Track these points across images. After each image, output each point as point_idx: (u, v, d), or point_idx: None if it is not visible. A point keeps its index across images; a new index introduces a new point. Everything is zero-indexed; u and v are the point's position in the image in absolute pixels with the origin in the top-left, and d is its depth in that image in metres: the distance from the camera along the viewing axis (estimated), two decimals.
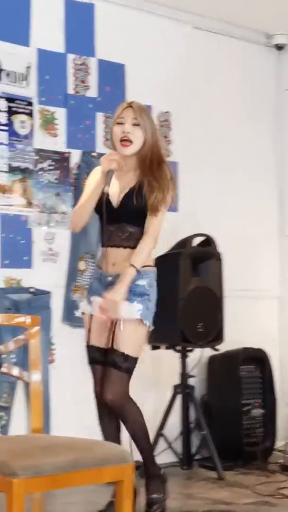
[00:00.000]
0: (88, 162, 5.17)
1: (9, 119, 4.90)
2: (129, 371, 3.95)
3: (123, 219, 3.96)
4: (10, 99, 4.91)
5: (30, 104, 5.00)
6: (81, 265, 5.13)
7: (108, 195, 3.92)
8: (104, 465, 2.82)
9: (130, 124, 3.95)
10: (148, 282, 3.96)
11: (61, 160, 5.09)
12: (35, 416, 3.16)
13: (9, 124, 4.90)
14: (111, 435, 4.02)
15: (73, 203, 5.11)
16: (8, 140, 4.88)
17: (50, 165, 5.05)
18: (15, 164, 4.90)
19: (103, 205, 3.91)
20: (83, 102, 5.27)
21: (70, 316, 5.09)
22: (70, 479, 2.79)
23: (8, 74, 4.94)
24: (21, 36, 5.02)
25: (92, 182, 3.99)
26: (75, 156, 5.18)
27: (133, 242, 3.97)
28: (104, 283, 3.97)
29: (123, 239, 3.98)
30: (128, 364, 3.93)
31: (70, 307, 5.09)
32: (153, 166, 3.97)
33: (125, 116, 3.97)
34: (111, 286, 3.90)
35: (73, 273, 5.11)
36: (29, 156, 4.96)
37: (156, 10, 5.58)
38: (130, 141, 3.94)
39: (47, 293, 4.95)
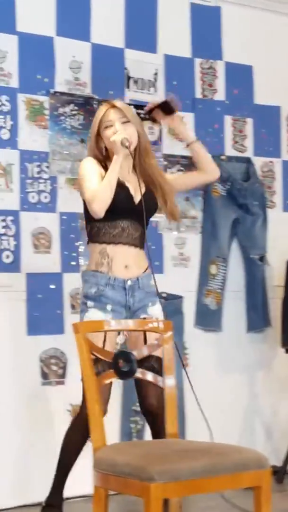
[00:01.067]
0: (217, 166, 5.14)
1: None
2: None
3: (139, 217, 3.72)
4: (138, 106, 4.95)
5: None
6: (213, 269, 5.13)
7: (128, 188, 3.76)
8: (241, 471, 2.79)
9: (120, 123, 3.78)
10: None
11: (190, 165, 5.09)
12: (170, 421, 3.17)
13: None
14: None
15: (202, 207, 5.12)
16: None
17: (179, 170, 5.07)
18: None
19: (119, 197, 3.69)
20: (211, 105, 5.27)
21: (203, 320, 5.09)
22: (207, 484, 2.78)
23: (136, 82, 4.99)
24: (148, 44, 5.06)
25: (96, 169, 3.73)
26: None
27: (141, 243, 3.80)
28: (120, 288, 3.72)
29: (135, 238, 3.77)
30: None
31: (202, 311, 5.09)
32: (147, 160, 3.84)
33: (112, 118, 3.78)
34: (135, 290, 3.73)
35: (204, 277, 5.11)
36: (158, 162, 4.99)
37: (282, 9, 5.52)
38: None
39: (179, 298, 4.97)
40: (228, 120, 5.33)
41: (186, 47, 5.21)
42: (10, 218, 4.53)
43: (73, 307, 4.67)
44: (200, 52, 5.25)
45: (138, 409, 4.74)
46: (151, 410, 3.76)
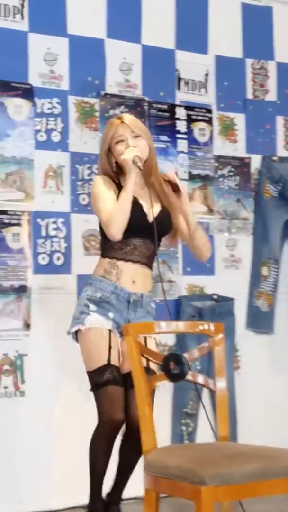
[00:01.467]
0: (269, 166, 5.12)
1: (188, 127, 4.94)
2: None
3: (151, 235, 3.67)
4: (189, 107, 4.95)
5: (209, 111, 5.02)
6: (264, 270, 5.09)
7: (142, 205, 3.71)
8: None
9: (131, 138, 3.72)
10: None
11: (241, 165, 5.08)
12: (222, 424, 3.14)
13: (189, 132, 4.93)
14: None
15: (253, 209, 5.08)
16: (188, 148, 4.92)
17: (230, 171, 5.04)
18: (195, 171, 4.93)
19: (133, 215, 3.64)
20: (262, 106, 5.24)
21: (254, 322, 5.05)
22: (259, 488, 2.76)
23: (187, 83, 4.98)
24: (199, 44, 5.05)
25: (109, 188, 3.70)
26: (256, 161, 5.15)
27: (151, 262, 3.78)
28: (124, 300, 3.69)
29: (147, 256, 3.73)
30: None
31: (254, 313, 5.06)
32: (156, 177, 3.78)
33: (123, 133, 3.72)
34: (138, 307, 3.70)
35: (256, 279, 5.08)
36: (209, 163, 4.98)
37: None
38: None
39: (230, 300, 4.94)
40: (279, 120, 5.29)
41: (237, 47, 5.19)
42: (61, 220, 4.55)
43: None
44: (251, 53, 5.22)
45: (190, 411, 4.75)
46: (135, 420, 3.50)
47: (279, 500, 3.69)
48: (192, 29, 5.01)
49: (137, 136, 3.75)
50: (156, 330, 3.23)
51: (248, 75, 5.21)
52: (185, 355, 3.11)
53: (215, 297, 4.89)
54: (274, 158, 5.17)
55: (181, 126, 4.92)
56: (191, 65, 4.99)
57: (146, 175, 3.77)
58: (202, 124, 4.97)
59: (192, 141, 4.94)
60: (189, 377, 3.10)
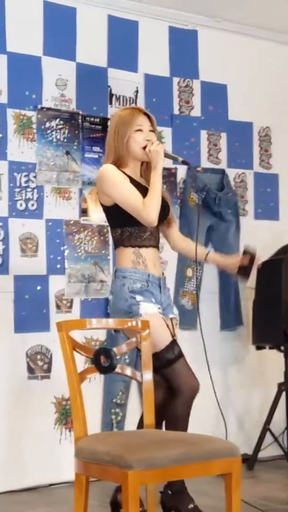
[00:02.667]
0: (194, 176, 5.15)
1: None
2: None
3: (160, 221, 3.72)
4: None
5: None
6: (189, 272, 5.11)
7: None
8: (213, 459, 2.79)
9: (147, 131, 3.72)
10: None
11: (168, 175, 5.09)
12: (148, 413, 3.15)
13: None
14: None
15: (179, 215, 5.10)
16: None
17: None
18: None
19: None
20: (188, 121, 5.26)
21: (180, 319, 5.04)
22: (181, 472, 2.78)
23: (118, 98, 4.97)
24: (130, 63, 5.05)
25: (125, 178, 3.65)
26: (181, 172, 5.17)
27: (159, 244, 3.82)
28: (156, 285, 3.71)
29: (158, 240, 3.78)
30: None
31: (179, 311, 5.05)
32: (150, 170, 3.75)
33: (143, 123, 3.70)
34: (165, 288, 3.75)
35: (181, 280, 5.10)
36: None
37: (254, 32, 5.51)
38: None
39: None
40: (203, 134, 5.31)
41: (165, 66, 5.20)
42: None
43: (58, 307, 4.65)
44: (177, 72, 5.23)
45: (119, 401, 4.74)
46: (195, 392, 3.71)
47: (201, 483, 3.71)
48: (123, 49, 5.01)
49: (151, 131, 3.75)
50: (87, 326, 3.21)
51: (175, 92, 5.23)
52: (114, 349, 3.11)
53: None
54: (198, 168, 5.20)
55: None
56: (122, 82, 4.98)
57: (145, 167, 3.76)
58: None
59: None
60: (118, 369, 3.10)
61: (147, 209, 3.58)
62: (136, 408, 4.77)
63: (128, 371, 3.18)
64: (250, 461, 4.96)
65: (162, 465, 2.68)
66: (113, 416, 4.75)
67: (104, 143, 4.80)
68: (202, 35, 5.34)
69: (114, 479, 2.73)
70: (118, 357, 3.10)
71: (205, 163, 5.28)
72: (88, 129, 4.83)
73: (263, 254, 4.69)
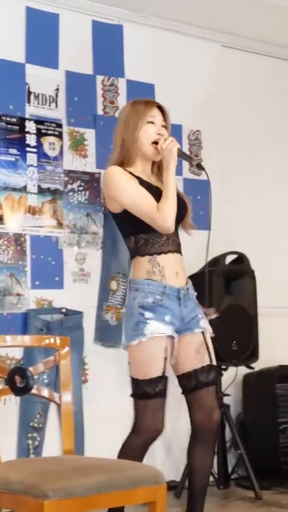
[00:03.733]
0: None
1: (38, 141, 4.91)
2: None
3: (177, 223, 3.61)
4: (39, 121, 4.92)
5: (59, 126, 5.00)
6: (113, 284, 5.11)
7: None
8: (136, 486, 2.79)
9: (160, 125, 3.64)
10: None
11: (91, 180, 5.09)
12: (67, 437, 3.14)
13: (39, 146, 4.91)
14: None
15: (103, 223, 5.10)
16: (37, 162, 4.89)
17: (80, 186, 5.04)
18: (44, 185, 4.91)
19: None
20: (112, 122, 5.23)
21: (103, 335, 5.06)
22: (102, 501, 2.77)
23: (37, 97, 4.95)
24: (49, 59, 5.03)
25: (134, 181, 3.53)
26: None
27: (180, 250, 3.69)
28: (175, 297, 3.55)
29: (178, 243, 3.64)
30: None
31: (102, 327, 5.06)
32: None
33: (156, 115, 3.63)
34: (187, 300, 3.59)
35: (105, 293, 5.09)
36: (58, 177, 4.97)
37: (184, 29, 5.57)
38: None
39: (79, 313, 4.93)
40: None
41: (88, 64, 5.20)
42: None
43: None
44: (101, 70, 5.24)
45: (37, 425, 4.71)
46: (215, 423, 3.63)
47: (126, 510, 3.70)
48: (42, 43, 4.99)
49: (164, 126, 3.65)
50: (1, 344, 3.18)
51: (99, 91, 5.23)
52: (31, 368, 3.08)
53: (63, 310, 4.87)
54: None
55: (31, 140, 4.88)
56: (42, 79, 4.96)
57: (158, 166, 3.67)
58: (52, 139, 4.95)
59: (41, 155, 4.92)
60: (34, 391, 3.08)
61: (162, 215, 3.47)
62: (56, 432, 4.74)
63: (45, 392, 3.17)
64: (177, 488, 4.97)
65: (80, 494, 2.67)
66: (30, 441, 4.71)
67: (22, 145, 4.83)
68: (128, 30, 5.36)
69: (29, 510, 2.71)
70: (35, 376, 3.08)
71: None
72: (3, 130, 4.80)
73: (193, 266, 4.73)
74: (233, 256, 5.32)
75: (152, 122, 3.62)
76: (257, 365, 5.31)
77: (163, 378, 3.54)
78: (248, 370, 5.32)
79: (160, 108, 3.69)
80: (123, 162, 3.61)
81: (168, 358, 3.55)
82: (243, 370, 5.33)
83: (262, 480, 5.07)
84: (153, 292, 3.52)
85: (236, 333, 5.12)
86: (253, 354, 5.22)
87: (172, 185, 3.53)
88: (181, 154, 3.65)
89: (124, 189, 3.52)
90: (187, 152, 5.39)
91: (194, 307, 3.64)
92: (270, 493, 5.05)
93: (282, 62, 6.12)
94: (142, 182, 3.57)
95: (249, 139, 5.87)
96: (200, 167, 3.73)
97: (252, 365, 5.26)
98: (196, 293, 3.72)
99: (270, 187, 5.97)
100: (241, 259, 5.29)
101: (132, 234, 3.60)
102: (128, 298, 3.61)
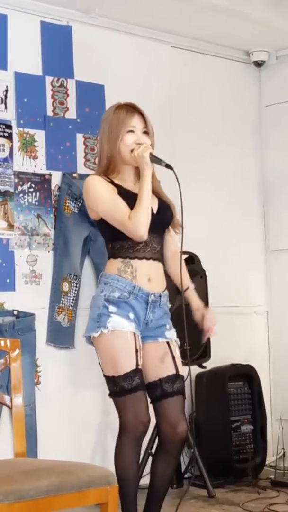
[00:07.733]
0: (69, 183, 5.16)
1: None
2: None
3: (158, 229, 3.69)
4: None
5: (9, 127, 4.99)
6: (65, 286, 5.12)
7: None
8: (87, 488, 2.82)
9: (141, 133, 3.72)
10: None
11: (41, 182, 5.09)
12: (18, 440, 3.15)
13: None
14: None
15: (54, 225, 5.10)
16: None
17: (30, 188, 5.04)
18: None
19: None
20: (62, 123, 5.27)
21: (55, 337, 5.06)
22: (54, 503, 2.79)
23: None
24: None
25: (111, 189, 3.63)
26: (56, 178, 5.18)
27: (162, 257, 3.75)
28: (143, 300, 3.62)
29: (158, 251, 3.70)
30: None
31: (54, 328, 5.06)
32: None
33: (136, 124, 3.71)
34: (156, 307, 3.64)
35: (56, 295, 5.09)
36: (9, 179, 4.96)
37: (133, 30, 5.59)
38: None
39: (31, 315, 4.92)
40: (79, 138, 5.33)
41: (37, 64, 5.19)
42: None
43: None
44: (51, 70, 5.23)
45: None
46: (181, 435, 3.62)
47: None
48: None
49: (145, 133, 3.69)
50: None
51: (48, 92, 5.22)
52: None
53: (15, 312, 4.86)
54: (74, 175, 5.22)
55: None
56: None
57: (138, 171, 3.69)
58: (1, 140, 4.94)
59: None
60: None
61: (134, 223, 3.54)
62: (9, 435, 4.73)
63: None
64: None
65: (32, 497, 2.69)
66: None
67: None
68: (77, 31, 5.36)
69: None
70: None
71: (81, 168, 5.30)
72: None
73: None
74: (184, 256, 5.35)
75: (132, 131, 3.69)
76: (209, 364, 5.36)
77: (138, 371, 3.56)
78: (200, 370, 5.36)
79: (142, 114, 3.76)
80: (108, 169, 3.71)
81: (139, 351, 3.57)
82: (195, 369, 5.37)
83: (215, 479, 5.13)
84: (121, 288, 3.60)
85: (188, 332, 5.14)
86: (205, 354, 5.26)
87: (146, 193, 3.59)
88: (153, 159, 3.70)
89: (100, 198, 3.63)
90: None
91: (162, 316, 3.71)
92: (223, 491, 5.11)
93: (232, 62, 6.18)
94: (121, 190, 3.65)
95: (201, 140, 5.91)
96: (168, 167, 3.77)
97: (204, 364, 5.30)
98: (170, 305, 3.78)
99: (222, 187, 6.02)
100: (192, 259, 5.32)
101: (109, 241, 3.71)
102: (96, 291, 3.69)
